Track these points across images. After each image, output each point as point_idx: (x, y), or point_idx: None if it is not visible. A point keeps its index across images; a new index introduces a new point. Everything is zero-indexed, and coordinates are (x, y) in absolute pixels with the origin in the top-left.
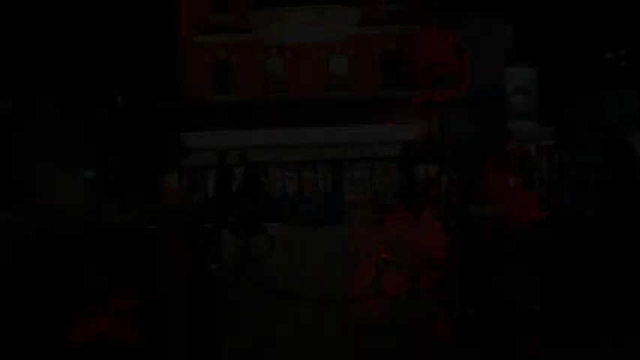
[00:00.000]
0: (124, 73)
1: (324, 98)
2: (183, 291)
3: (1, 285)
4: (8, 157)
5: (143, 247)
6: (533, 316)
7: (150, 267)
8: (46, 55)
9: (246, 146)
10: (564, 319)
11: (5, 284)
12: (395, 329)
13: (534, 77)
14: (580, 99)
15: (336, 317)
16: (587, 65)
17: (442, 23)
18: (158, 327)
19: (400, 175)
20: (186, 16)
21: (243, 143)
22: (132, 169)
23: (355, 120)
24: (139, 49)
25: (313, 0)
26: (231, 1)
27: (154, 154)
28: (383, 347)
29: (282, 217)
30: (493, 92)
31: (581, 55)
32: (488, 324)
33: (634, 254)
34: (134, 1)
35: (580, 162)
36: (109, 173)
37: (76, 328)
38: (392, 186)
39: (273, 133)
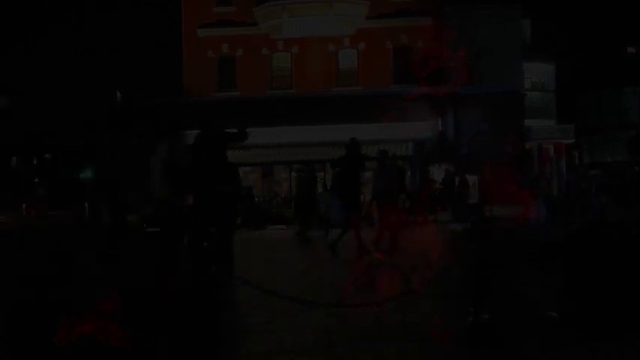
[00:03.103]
0: (123, 68)
1: (332, 94)
2: (186, 293)
3: None
4: None
5: (146, 249)
6: (552, 322)
7: (152, 268)
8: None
9: (250, 145)
10: (583, 325)
11: None
12: (403, 335)
13: (552, 73)
14: (600, 96)
15: (341, 323)
16: (607, 60)
17: (456, 17)
18: (158, 329)
19: (413, 174)
20: (189, 9)
21: (247, 142)
22: (131, 168)
23: (365, 117)
24: (139, 43)
25: None
26: None
27: (154, 153)
28: (389, 354)
29: (288, 219)
30: (510, 88)
31: (602, 50)
32: (503, 330)
33: None
34: None
35: (602, 161)
36: (107, 172)
37: (64, 329)
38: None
39: (279, 131)
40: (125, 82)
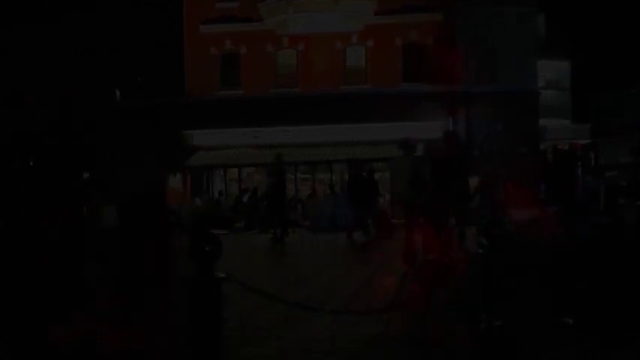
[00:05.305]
0: (123, 66)
1: (339, 93)
2: (188, 300)
3: None
4: None
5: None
6: (567, 328)
7: (153, 272)
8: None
9: (254, 145)
10: (599, 330)
11: None
12: (412, 342)
13: (567, 71)
14: (617, 95)
15: (349, 329)
16: (625, 57)
17: (468, 14)
18: (161, 336)
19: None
20: (191, 4)
21: (251, 142)
22: (131, 168)
23: (374, 116)
24: (139, 41)
25: None
26: None
27: (154, 153)
28: None
29: (294, 222)
30: (524, 87)
31: (619, 46)
32: (516, 337)
33: None
34: None
35: (619, 163)
36: (105, 173)
37: (62, 329)
38: None
39: (284, 131)
40: (125, 82)
